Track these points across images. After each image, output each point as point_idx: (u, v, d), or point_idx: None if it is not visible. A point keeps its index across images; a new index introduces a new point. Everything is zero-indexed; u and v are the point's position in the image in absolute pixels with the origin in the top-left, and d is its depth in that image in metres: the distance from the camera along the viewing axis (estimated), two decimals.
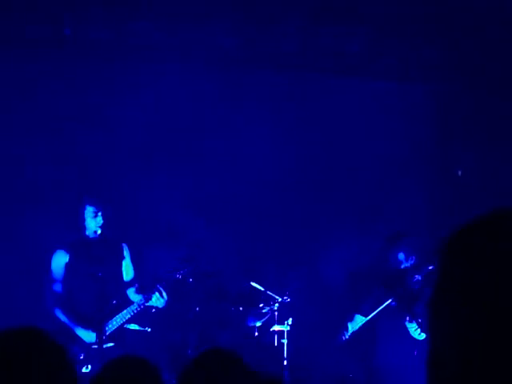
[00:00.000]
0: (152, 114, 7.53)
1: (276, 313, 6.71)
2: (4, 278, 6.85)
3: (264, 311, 6.79)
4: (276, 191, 7.70)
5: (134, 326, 6.37)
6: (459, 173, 7.17)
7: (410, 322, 6.01)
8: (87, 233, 6.25)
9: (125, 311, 6.15)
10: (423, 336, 5.96)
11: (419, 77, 7.66)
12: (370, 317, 6.13)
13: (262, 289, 6.82)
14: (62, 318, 6.10)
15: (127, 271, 6.44)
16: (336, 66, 7.63)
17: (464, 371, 1.06)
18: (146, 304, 6.15)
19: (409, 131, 7.85)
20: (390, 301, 6.03)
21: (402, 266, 6.18)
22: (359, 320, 6.26)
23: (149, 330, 6.54)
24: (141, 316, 6.31)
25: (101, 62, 7.41)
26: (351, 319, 6.33)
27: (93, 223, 6.20)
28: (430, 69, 7.49)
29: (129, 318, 6.17)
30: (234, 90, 7.67)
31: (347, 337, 6.27)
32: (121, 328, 6.18)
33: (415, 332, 6.01)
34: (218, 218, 7.50)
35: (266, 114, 7.68)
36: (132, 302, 6.24)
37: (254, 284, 6.86)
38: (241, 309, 6.86)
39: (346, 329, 6.32)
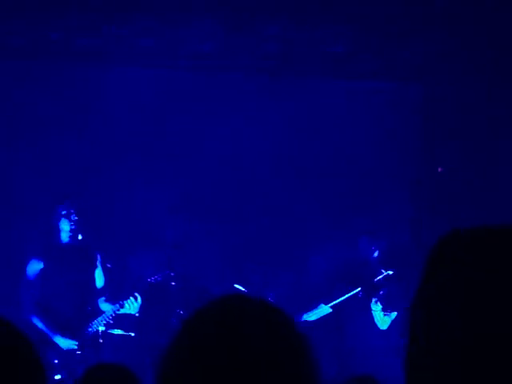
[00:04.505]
0: (131, 119, 7.50)
1: None
2: None
3: None
4: (258, 192, 7.66)
5: (117, 331, 6.35)
6: (439, 169, 7.12)
7: (376, 304, 6.25)
8: (62, 237, 6.18)
9: (100, 317, 6.12)
10: (386, 320, 6.27)
11: (402, 76, 7.60)
12: (332, 304, 6.37)
13: (245, 290, 6.78)
14: (39, 325, 6.06)
15: (99, 279, 6.38)
16: (320, 67, 7.56)
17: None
18: (121, 310, 6.10)
19: (392, 130, 7.78)
20: (358, 290, 6.31)
21: (369, 258, 6.57)
22: (322, 308, 6.42)
23: (132, 334, 6.52)
24: (124, 320, 6.28)
25: (86, 66, 7.39)
26: (316, 307, 6.48)
27: (66, 223, 6.10)
28: (414, 67, 7.41)
29: (105, 324, 6.13)
30: (218, 93, 7.63)
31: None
32: (103, 333, 6.16)
33: (380, 314, 6.25)
34: (200, 220, 7.47)
35: (252, 116, 7.63)
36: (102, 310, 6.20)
37: (237, 286, 6.83)
38: None
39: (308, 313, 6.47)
